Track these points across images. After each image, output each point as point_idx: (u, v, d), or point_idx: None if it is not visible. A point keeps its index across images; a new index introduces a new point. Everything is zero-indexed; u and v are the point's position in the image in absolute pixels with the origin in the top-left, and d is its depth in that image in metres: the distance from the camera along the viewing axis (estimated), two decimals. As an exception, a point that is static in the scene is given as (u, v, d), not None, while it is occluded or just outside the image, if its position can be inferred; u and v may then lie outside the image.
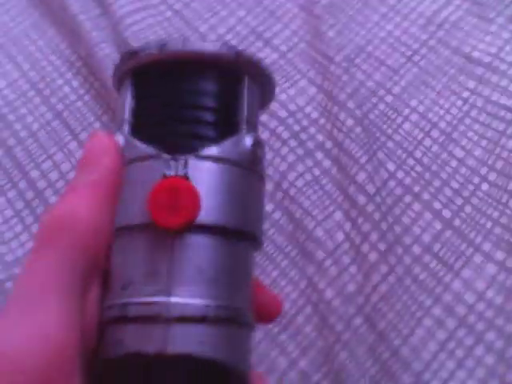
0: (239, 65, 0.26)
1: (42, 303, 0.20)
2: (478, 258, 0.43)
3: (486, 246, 0.44)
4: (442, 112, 0.49)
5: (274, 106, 0.49)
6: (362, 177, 0.46)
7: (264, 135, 0.48)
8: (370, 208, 0.45)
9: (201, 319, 0.22)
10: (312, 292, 0.43)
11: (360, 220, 0.45)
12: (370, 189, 0.45)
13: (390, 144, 0.48)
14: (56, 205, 0.23)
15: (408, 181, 0.46)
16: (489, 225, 0.44)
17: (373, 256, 0.44)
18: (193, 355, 0.22)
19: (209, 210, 0.23)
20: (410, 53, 0.52)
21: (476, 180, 0.46)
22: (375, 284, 0.43)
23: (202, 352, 0.22)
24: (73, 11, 0.53)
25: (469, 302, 0.42)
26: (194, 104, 0.25)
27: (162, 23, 0.54)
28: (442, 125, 0.48)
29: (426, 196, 0.46)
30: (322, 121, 0.49)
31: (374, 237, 0.44)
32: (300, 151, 0.47)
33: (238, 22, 0.54)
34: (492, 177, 0.46)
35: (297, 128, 0.48)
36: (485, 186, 0.45)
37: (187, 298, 0.22)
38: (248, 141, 0.26)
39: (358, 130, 0.47)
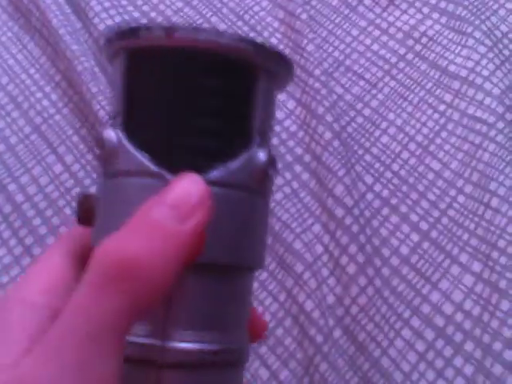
0: (259, 60, 0.22)
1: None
2: (455, 270, 0.44)
3: (463, 258, 0.44)
4: (418, 125, 0.49)
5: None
6: (340, 190, 0.46)
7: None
8: (349, 221, 0.45)
9: (196, 365, 0.21)
10: (291, 304, 0.43)
11: (338, 233, 0.45)
12: (348, 201, 0.46)
13: (368, 157, 0.48)
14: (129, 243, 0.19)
15: (385, 193, 0.47)
16: (465, 236, 0.45)
17: (351, 268, 0.44)
18: None
19: (211, 247, 0.21)
20: (387, 67, 0.52)
21: (452, 192, 0.46)
22: (354, 296, 0.43)
23: None
24: (53, 25, 0.53)
25: (447, 313, 0.42)
26: (202, 108, 0.21)
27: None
28: (419, 138, 0.49)
29: (403, 208, 0.46)
30: (301, 134, 0.49)
31: (352, 249, 0.44)
32: (279, 164, 0.48)
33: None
34: (468, 189, 0.46)
35: (276, 141, 0.49)
36: (461, 199, 0.46)
37: (183, 343, 0.21)
38: (261, 157, 0.22)
39: (336, 143, 0.48)
